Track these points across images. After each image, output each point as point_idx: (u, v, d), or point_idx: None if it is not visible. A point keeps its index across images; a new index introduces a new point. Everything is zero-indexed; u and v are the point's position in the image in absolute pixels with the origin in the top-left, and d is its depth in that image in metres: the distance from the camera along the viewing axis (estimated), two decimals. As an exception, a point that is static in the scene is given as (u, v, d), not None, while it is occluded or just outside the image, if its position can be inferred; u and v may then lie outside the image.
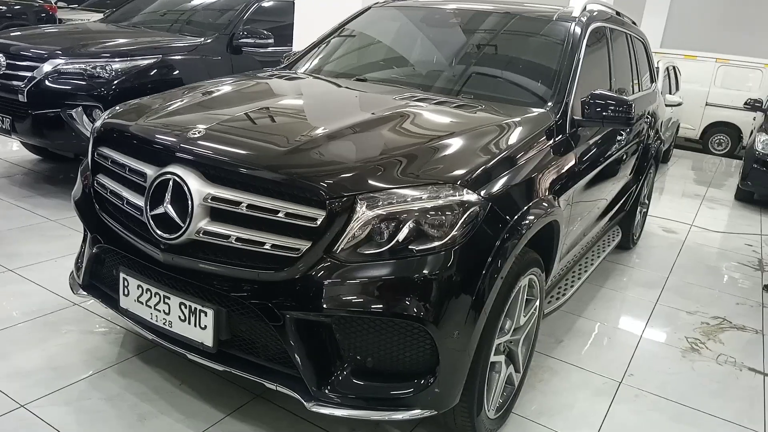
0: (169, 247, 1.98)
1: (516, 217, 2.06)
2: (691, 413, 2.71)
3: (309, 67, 3.31)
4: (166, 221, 1.97)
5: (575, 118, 2.76)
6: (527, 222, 2.10)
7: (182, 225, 1.94)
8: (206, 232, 1.93)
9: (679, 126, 9.87)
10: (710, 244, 5.34)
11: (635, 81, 4.25)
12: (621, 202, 3.96)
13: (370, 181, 1.87)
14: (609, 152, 3.27)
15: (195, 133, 2.05)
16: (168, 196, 1.96)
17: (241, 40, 5.13)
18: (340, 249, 1.83)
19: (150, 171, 2.04)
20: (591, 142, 2.96)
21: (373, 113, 2.33)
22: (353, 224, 1.82)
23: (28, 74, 4.22)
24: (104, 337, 2.75)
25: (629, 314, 3.69)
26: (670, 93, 8.46)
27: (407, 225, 1.83)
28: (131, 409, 2.29)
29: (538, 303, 2.45)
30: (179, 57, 4.72)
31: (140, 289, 2.08)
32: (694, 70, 11.06)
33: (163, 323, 2.05)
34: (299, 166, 1.91)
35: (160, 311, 2.05)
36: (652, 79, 4.99)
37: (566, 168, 2.58)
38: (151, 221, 2.00)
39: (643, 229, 5.14)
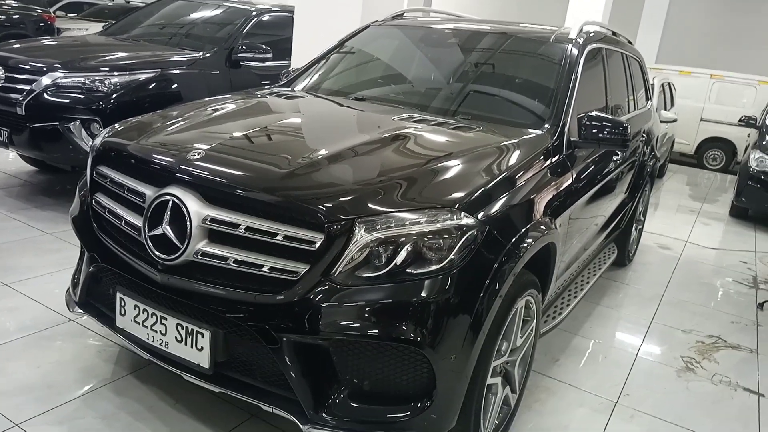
0: (167, 268, 1.98)
1: (513, 240, 2.07)
2: (688, 435, 2.72)
3: (308, 85, 3.33)
4: (164, 242, 1.97)
5: (572, 139, 2.78)
6: (525, 245, 2.11)
7: (180, 246, 1.94)
8: (204, 254, 1.93)
9: (674, 141, 9.94)
10: (705, 261, 5.36)
11: (631, 100, 4.29)
12: (617, 219, 3.98)
13: (368, 205, 1.88)
14: (605, 171, 3.29)
15: (195, 154, 2.06)
16: (167, 217, 1.96)
17: (240, 55, 5.16)
18: (338, 272, 1.83)
19: (149, 191, 2.05)
20: (588, 161, 2.98)
21: (371, 135, 2.35)
22: (351, 247, 1.83)
23: (27, 87, 4.22)
24: (99, 354, 2.74)
25: (625, 332, 3.70)
26: (665, 109, 8.53)
27: (405, 248, 1.84)
28: (126, 429, 2.28)
29: (534, 324, 2.45)
30: (178, 71, 4.74)
31: (137, 309, 2.08)
32: (689, 86, 11.15)
33: (160, 344, 2.05)
34: (298, 189, 1.92)
35: (156, 332, 2.05)
36: (647, 97, 5.03)
37: (563, 189, 2.60)
38: (149, 242, 2.00)
39: (639, 245, 5.16)
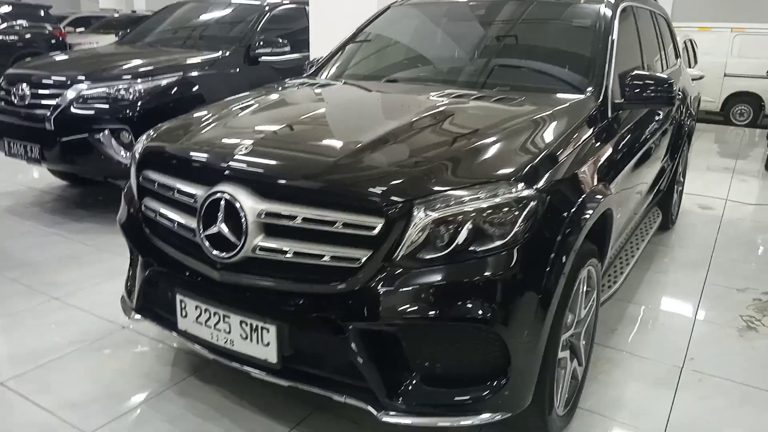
0: (226, 266, 1.96)
1: (574, 209, 2.01)
2: (759, 394, 2.64)
3: (336, 73, 3.28)
4: (220, 240, 1.95)
5: (616, 101, 2.70)
6: (586, 213, 2.05)
7: (237, 243, 1.91)
8: (262, 249, 1.90)
9: (700, 99, 9.69)
10: (748, 218, 5.22)
11: (662, 58, 4.17)
12: (660, 182, 3.88)
13: (426, 185, 1.83)
14: (649, 132, 3.20)
15: (242, 150, 2.03)
16: (221, 216, 1.94)
17: (258, 51, 5.12)
18: (400, 256, 1.79)
19: (199, 191, 2.02)
20: (631, 124, 2.89)
21: (414, 115, 2.29)
22: (412, 230, 1.78)
23: (53, 102, 4.24)
24: (157, 359, 2.74)
25: (678, 297, 3.61)
26: (689, 67, 8.31)
27: (467, 226, 1.79)
28: (195, 430, 2.28)
29: (595, 294, 2.39)
30: (199, 73, 4.72)
31: (198, 309, 2.07)
32: (710, 42, 10.85)
33: (225, 342, 2.03)
34: (352, 175, 1.88)
35: (220, 330, 2.03)
36: (677, 55, 4.89)
37: (613, 153, 2.52)
38: (205, 241, 1.98)
39: (680, 207, 5.05)
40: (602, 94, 2.63)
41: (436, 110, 2.34)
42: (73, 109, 4.20)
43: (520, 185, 1.87)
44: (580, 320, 2.28)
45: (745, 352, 2.98)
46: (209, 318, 2.05)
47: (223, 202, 1.93)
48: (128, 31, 5.98)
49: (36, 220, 4.52)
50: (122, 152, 4.22)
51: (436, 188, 1.82)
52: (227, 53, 5.02)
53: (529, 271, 1.83)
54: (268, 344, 1.94)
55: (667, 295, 3.62)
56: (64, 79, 4.31)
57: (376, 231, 1.78)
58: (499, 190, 1.83)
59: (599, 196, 2.18)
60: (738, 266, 4.08)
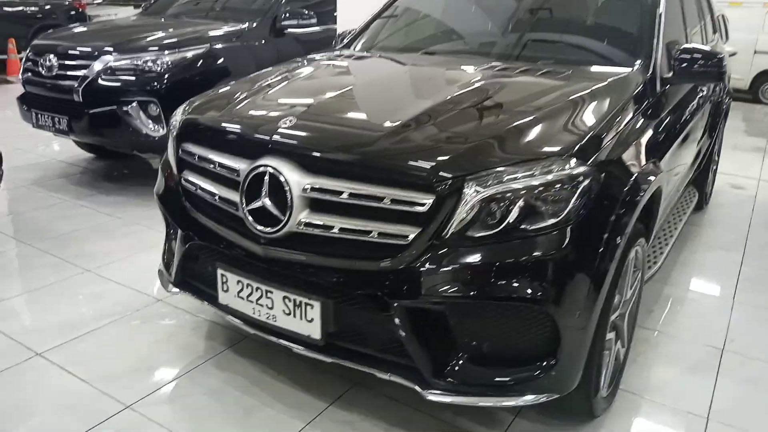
0: (269, 241, 1.93)
1: (628, 186, 1.95)
2: (805, 378, 2.59)
3: (370, 45, 3.21)
4: (264, 215, 1.92)
5: (664, 76, 2.60)
6: (639, 191, 1.99)
7: (282, 218, 1.88)
8: (307, 224, 1.87)
9: (730, 77, 9.43)
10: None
11: (702, 32, 4.03)
12: (698, 160, 3.79)
13: (477, 161, 1.78)
14: (692, 110, 3.10)
15: (286, 123, 1.99)
16: (265, 190, 1.90)
17: (285, 23, 5.03)
18: (450, 233, 1.75)
19: (242, 165, 1.99)
20: (677, 100, 2.80)
21: (459, 88, 2.23)
22: (462, 207, 1.74)
23: (81, 73, 4.21)
24: (194, 332, 2.75)
25: (715, 278, 3.53)
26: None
27: (519, 204, 1.74)
28: (235, 403, 2.28)
29: (641, 274, 2.34)
30: (226, 45, 4.66)
31: (240, 284, 2.05)
32: (741, 18, 10.48)
33: (267, 318, 2.01)
34: (401, 150, 1.84)
35: (262, 306, 2.01)
36: (714, 29, 4.74)
37: (662, 130, 2.45)
38: (248, 216, 1.95)
39: (713, 187, 4.93)
40: (651, 68, 2.54)
41: (482, 84, 2.27)
42: (100, 81, 4.17)
43: (574, 162, 1.81)
44: (626, 301, 2.23)
45: (786, 336, 2.92)
46: (251, 293, 2.03)
47: (267, 176, 1.90)
48: (152, 2, 5.90)
49: (64, 193, 4.53)
50: (150, 125, 4.19)
51: (488, 164, 1.77)
52: (253, 25, 4.94)
53: (583, 250, 1.78)
54: (311, 320, 1.92)
55: (703, 276, 3.54)
56: (90, 50, 4.27)
57: (425, 207, 1.74)
58: (553, 166, 1.78)
59: (651, 175, 2.12)
60: (777, 248, 3.99)
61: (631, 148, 2.10)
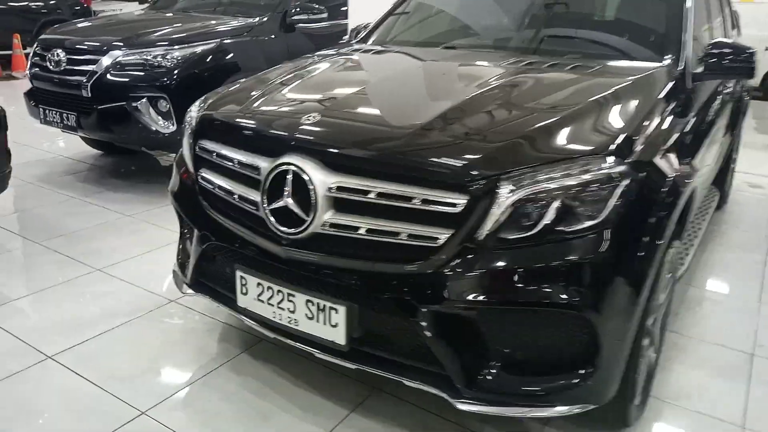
0: (292, 242, 1.85)
1: (666, 186, 1.87)
2: (837, 384, 2.50)
3: (388, 39, 3.12)
4: (286, 215, 1.84)
5: (695, 71, 2.52)
6: (679, 191, 1.90)
7: (305, 219, 1.80)
8: (332, 225, 1.79)
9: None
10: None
11: (724, 27, 3.94)
12: (721, 158, 3.70)
13: (512, 159, 1.70)
14: (719, 106, 3.02)
15: (309, 119, 1.90)
16: (287, 189, 1.82)
17: (295, 17, 4.95)
18: (483, 235, 1.67)
19: (264, 163, 1.91)
20: (705, 97, 2.72)
21: (486, 85, 2.14)
22: (497, 207, 1.65)
23: (90, 68, 4.13)
24: (208, 334, 2.67)
25: (739, 279, 3.44)
26: (735, 39, 7.97)
27: (556, 204, 1.65)
28: (252, 408, 2.21)
29: (672, 276, 2.25)
30: (236, 40, 4.58)
31: (260, 287, 1.97)
32: (752, 14, 10.34)
33: (288, 322, 1.94)
34: (433, 148, 1.75)
35: (284, 309, 1.93)
36: (733, 25, 4.64)
37: (694, 127, 2.36)
38: (269, 216, 1.87)
39: (732, 186, 4.84)
40: (683, 62, 2.45)
41: (510, 79, 2.19)
42: (110, 76, 4.10)
43: (612, 161, 1.72)
44: (660, 304, 2.14)
45: (817, 340, 2.83)
46: (272, 296, 1.95)
47: (290, 175, 1.82)
48: (159, -3, 5.82)
49: (71, 190, 4.46)
50: (160, 121, 4.12)
51: (524, 163, 1.69)
52: (264, 19, 4.86)
53: (622, 253, 1.70)
54: (335, 325, 1.84)
55: (727, 278, 3.45)
56: (99, 45, 4.20)
57: (458, 208, 1.65)
58: (591, 165, 1.69)
59: (689, 174, 2.04)
60: (799, 247, 3.90)
61: (667, 146, 2.01)
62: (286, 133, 1.90)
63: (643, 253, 1.74)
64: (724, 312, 3.05)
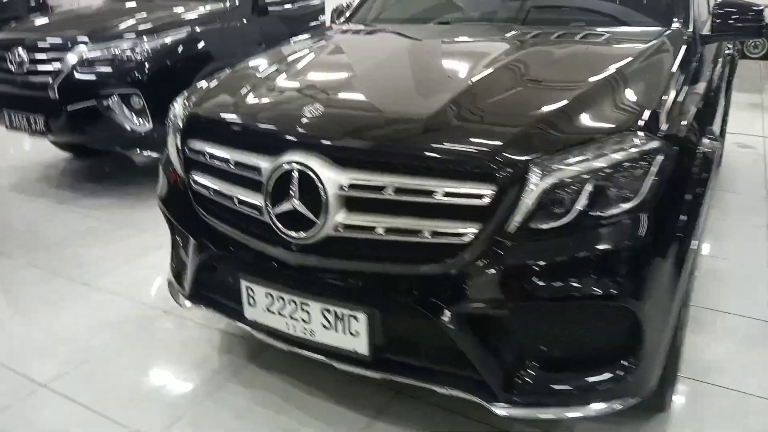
0: (303, 247, 1.70)
1: (697, 159, 1.75)
2: None
3: (374, 17, 2.94)
4: (294, 219, 1.68)
5: (703, 33, 2.40)
6: (709, 163, 1.79)
7: (316, 221, 1.65)
8: (347, 226, 1.64)
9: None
10: (794, 155, 4.97)
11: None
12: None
13: (540, 143, 1.56)
14: (721, 69, 2.92)
15: (313, 112, 1.74)
16: (294, 190, 1.66)
17: (268, 0, 4.71)
18: (514, 227, 1.53)
19: (264, 163, 1.74)
20: (712, 58, 2.61)
21: (497, 60, 1.98)
22: (527, 195, 1.52)
23: (55, 67, 3.87)
24: (210, 345, 2.51)
25: (745, 244, 3.38)
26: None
27: (590, 188, 1.52)
28: (269, 425, 2.07)
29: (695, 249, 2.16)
30: (208, 27, 4.34)
31: (270, 297, 1.82)
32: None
33: (303, 333, 1.79)
34: (452, 135, 1.61)
35: (297, 320, 1.79)
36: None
37: (708, 93, 2.25)
38: (275, 220, 1.71)
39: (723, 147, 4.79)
40: (692, 25, 2.33)
41: (521, 54, 2.03)
42: (77, 75, 3.84)
43: (644, 136, 1.59)
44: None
45: (834, 301, 2.79)
46: (283, 306, 1.80)
47: (296, 174, 1.65)
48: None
49: (45, 197, 4.22)
50: (134, 119, 3.89)
51: (553, 146, 1.55)
52: (235, 4, 4.61)
53: (663, 235, 1.58)
54: (356, 334, 1.70)
55: (733, 243, 3.39)
56: (63, 40, 3.92)
57: (486, 200, 1.51)
58: (624, 143, 1.56)
59: (714, 144, 1.92)
60: (799, 208, 3.86)
61: (692, 115, 1.89)
62: (287, 129, 1.73)
63: (682, 233, 1.63)
64: (735, 280, 2.98)
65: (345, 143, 1.65)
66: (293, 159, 1.66)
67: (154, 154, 4.19)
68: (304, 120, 1.72)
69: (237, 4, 4.59)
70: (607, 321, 1.60)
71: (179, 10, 4.43)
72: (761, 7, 2.43)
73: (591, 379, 1.63)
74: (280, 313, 1.81)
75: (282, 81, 2.07)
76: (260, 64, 2.33)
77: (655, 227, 1.55)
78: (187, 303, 2.16)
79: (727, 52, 3.17)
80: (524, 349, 1.62)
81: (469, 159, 1.54)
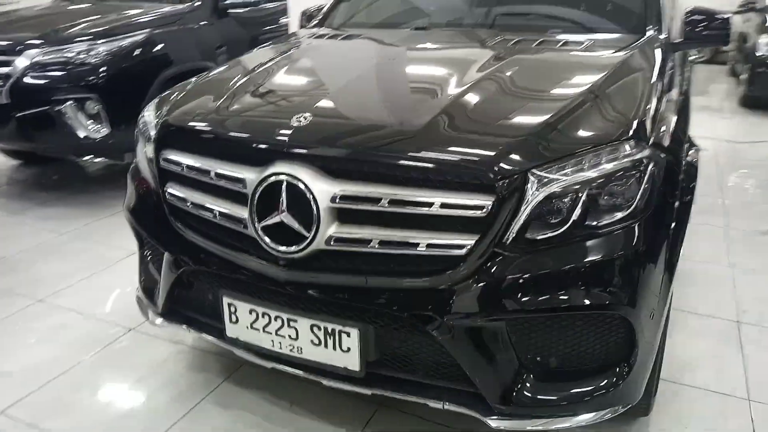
0: (291, 262, 1.63)
1: (683, 166, 1.78)
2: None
3: (347, 21, 2.88)
4: (282, 232, 1.61)
5: (675, 41, 2.45)
6: (693, 171, 1.81)
7: (307, 234, 1.58)
8: (338, 240, 1.58)
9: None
10: (745, 156, 5.17)
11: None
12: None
13: (539, 152, 1.54)
14: (688, 74, 2.99)
15: (300, 121, 1.67)
16: (283, 203, 1.59)
17: (228, 2, 4.59)
18: (510, 238, 1.51)
19: (249, 175, 1.66)
20: (681, 66, 2.66)
21: (483, 68, 1.95)
22: (525, 206, 1.50)
23: (5, 71, 3.64)
24: (182, 364, 2.40)
25: (706, 246, 3.47)
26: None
27: (587, 197, 1.52)
28: (252, 446, 1.99)
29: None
30: (166, 29, 4.18)
31: (254, 313, 1.74)
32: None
33: (290, 350, 1.72)
34: (449, 145, 1.56)
35: (284, 337, 1.71)
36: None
37: (683, 99, 2.29)
38: (262, 234, 1.64)
39: (680, 150, 4.94)
40: (665, 32, 2.37)
41: (507, 62, 2.01)
42: (28, 79, 3.63)
43: (635, 145, 1.60)
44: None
45: (794, 299, 2.89)
46: (268, 323, 1.73)
47: (284, 186, 1.58)
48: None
49: (-7, 208, 3.98)
50: (90, 124, 3.71)
51: (551, 155, 1.53)
52: (194, 5, 4.46)
53: (655, 243, 1.59)
54: (348, 350, 1.64)
55: (694, 245, 3.47)
56: (12, 43, 3.71)
57: (485, 210, 1.48)
58: (617, 153, 1.56)
59: (695, 150, 1.95)
60: (753, 208, 4.01)
61: (673, 123, 1.91)
62: (273, 139, 1.65)
63: (673, 240, 1.64)
64: (700, 280, 3.06)
65: (337, 154, 1.59)
66: (281, 170, 1.59)
67: (111, 161, 4.03)
68: (292, 130, 1.65)
69: (196, 6, 4.45)
70: (602, 330, 1.59)
71: (136, 11, 4.25)
72: (728, 16, 2.50)
73: (585, 389, 1.62)
74: (264, 330, 1.74)
75: (262, 89, 1.99)
76: (236, 70, 2.24)
77: (648, 236, 1.56)
78: (159, 320, 2.05)
79: (691, 58, 3.25)
80: (520, 361, 1.60)
81: (469, 170, 1.50)
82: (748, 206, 4.04)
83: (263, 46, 2.60)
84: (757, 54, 6.66)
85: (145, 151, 1.98)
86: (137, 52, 3.96)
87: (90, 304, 2.81)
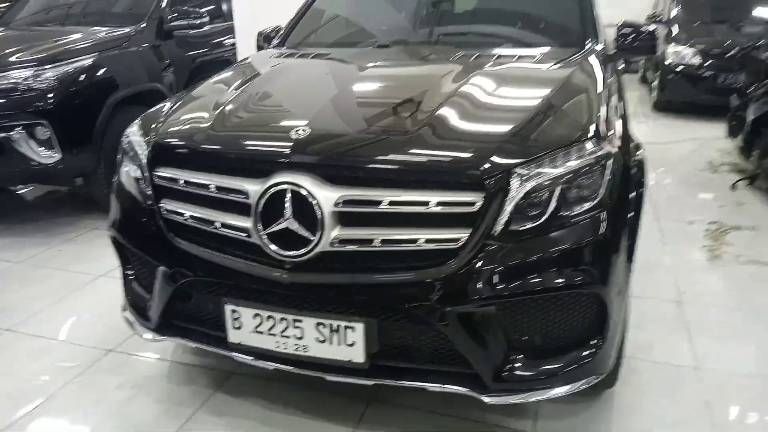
0: (296, 265, 1.74)
1: (635, 161, 2.02)
2: (757, 313, 2.87)
3: (304, 41, 3.02)
4: (287, 238, 1.72)
5: (609, 53, 2.74)
6: (643, 164, 2.06)
7: (311, 238, 1.70)
8: (342, 241, 1.71)
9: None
10: (663, 156, 5.63)
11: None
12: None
13: (520, 152, 1.74)
14: (623, 82, 3.31)
15: (299, 132, 1.79)
16: (288, 210, 1.70)
17: (173, 24, 4.61)
18: (498, 230, 1.69)
19: (253, 186, 1.76)
20: (615, 73, 2.96)
21: (456, 80, 2.15)
22: (509, 201, 1.68)
23: (-57, 99, 3.52)
24: (167, 379, 2.42)
25: (643, 236, 3.79)
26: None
27: (561, 191, 1.72)
28: (253, 450, 2.05)
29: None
30: (113, 53, 4.15)
31: (258, 318, 1.82)
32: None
33: (296, 349, 1.82)
34: (441, 148, 1.74)
35: (289, 337, 1.81)
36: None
37: (624, 104, 2.57)
38: (267, 241, 1.74)
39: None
40: (602, 44, 2.65)
41: (478, 74, 2.22)
42: (-26, 106, 3.52)
43: (597, 143, 1.82)
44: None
45: (724, 279, 3.24)
46: (273, 325, 1.82)
47: (288, 195, 1.70)
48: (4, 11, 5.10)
49: (-65, 241, 3.79)
50: (41, 151, 3.63)
51: (531, 154, 1.73)
52: (139, 28, 4.45)
53: (619, 229, 1.81)
54: (353, 344, 1.76)
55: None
56: (-48, 70, 3.58)
57: (476, 206, 1.66)
58: (584, 151, 1.78)
59: (640, 148, 2.21)
60: (677, 202, 4.42)
61: (620, 125, 2.15)
62: (275, 151, 1.77)
63: (632, 226, 1.87)
64: (642, 268, 3.30)
65: (337, 162, 1.73)
66: (284, 180, 1.70)
67: (56, 187, 3.94)
68: (293, 142, 1.77)
69: (140, 28, 4.44)
70: (578, 307, 1.79)
71: (81, 36, 4.20)
72: (654, 28, 2.83)
73: (565, 363, 1.81)
74: (269, 333, 1.83)
75: (254, 105, 2.09)
76: (217, 89, 2.32)
77: (613, 222, 1.78)
78: (151, 335, 2.09)
79: (620, 67, 3.59)
80: (511, 341, 1.77)
81: (461, 170, 1.68)
82: (673, 201, 4.44)
83: (239, 65, 2.69)
84: (666, 62, 7.29)
85: (132, 171, 2.03)
86: (84, 76, 3.91)
87: (62, 330, 2.77)
